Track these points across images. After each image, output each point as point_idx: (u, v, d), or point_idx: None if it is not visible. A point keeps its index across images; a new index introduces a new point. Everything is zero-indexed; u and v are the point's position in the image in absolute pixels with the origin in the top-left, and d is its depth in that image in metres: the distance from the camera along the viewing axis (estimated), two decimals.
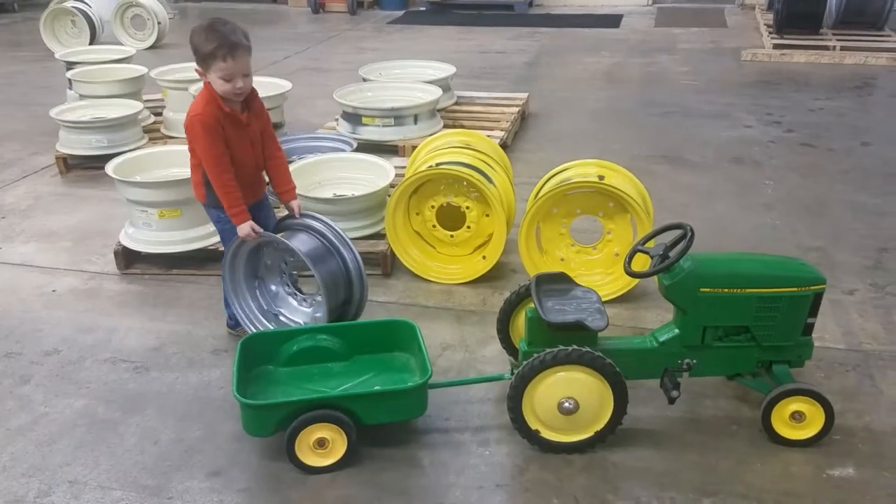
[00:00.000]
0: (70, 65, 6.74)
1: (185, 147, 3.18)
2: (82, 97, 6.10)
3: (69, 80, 6.38)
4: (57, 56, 7.34)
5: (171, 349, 3.48)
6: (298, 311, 3.50)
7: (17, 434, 2.94)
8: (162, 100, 6.30)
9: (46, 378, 3.28)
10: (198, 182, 3.21)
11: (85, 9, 9.33)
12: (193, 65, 3.06)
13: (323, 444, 2.67)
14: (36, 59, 9.25)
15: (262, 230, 3.16)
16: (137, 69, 6.42)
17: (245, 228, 3.12)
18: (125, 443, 2.89)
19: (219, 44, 2.90)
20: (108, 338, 3.57)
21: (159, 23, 9.68)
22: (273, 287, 3.51)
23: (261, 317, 3.45)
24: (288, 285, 3.53)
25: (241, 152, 3.11)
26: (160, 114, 6.30)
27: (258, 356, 3.01)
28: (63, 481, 2.71)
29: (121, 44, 8.95)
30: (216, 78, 2.96)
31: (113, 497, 2.63)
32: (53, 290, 4.01)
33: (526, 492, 2.64)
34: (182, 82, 5.90)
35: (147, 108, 6.24)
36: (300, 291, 3.55)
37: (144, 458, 2.81)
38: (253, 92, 3.14)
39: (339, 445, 2.69)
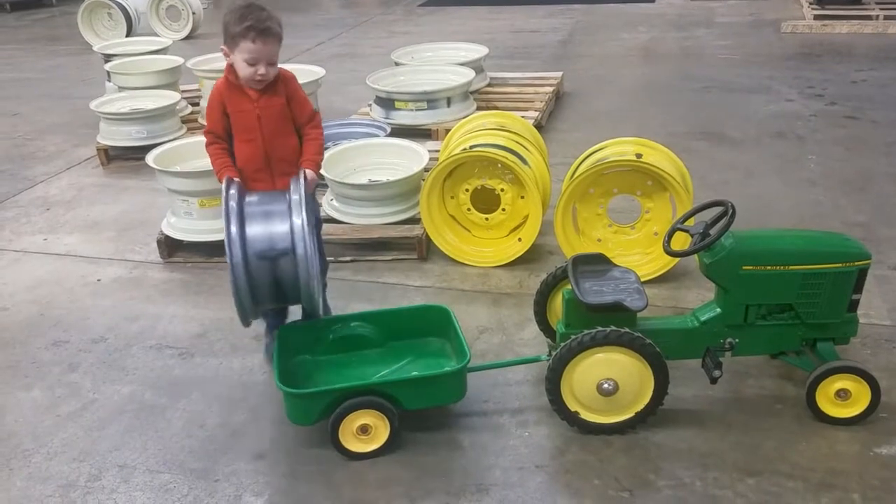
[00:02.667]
0: (108, 57, 6.85)
1: None
2: (121, 89, 6.20)
3: (108, 72, 6.49)
4: (95, 49, 7.47)
5: (215, 335, 3.54)
6: None
7: (68, 420, 3.03)
8: (198, 90, 6.37)
9: (94, 365, 3.36)
10: None
11: (121, 1, 9.46)
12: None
13: (366, 431, 2.70)
14: (74, 52, 9.42)
15: (235, 181, 2.88)
16: (174, 60, 6.50)
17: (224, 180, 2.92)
18: (172, 427, 2.96)
19: (251, 24, 2.81)
20: (153, 325, 3.64)
21: (194, 13, 9.78)
22: None
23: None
24: None
25: (244, 125, 2.97)
26: (197, 104, 6.38)
27: (296, 346, 3.04)
28: (113, 465, 2.78)
29: (157, 35, 9.07)
30: (240, 59, 2.86)
31: (161, 480, 2.70)
32: (98, 280, 4.10)
33: (566, 473, 2.64)
34: (218, 72, 5.88)
35: (184, 98, 6.32)
36: None
37: (191, 441, 2.87)
38: (277, 74, 2.98)
39: (381, 431, 2.71)
